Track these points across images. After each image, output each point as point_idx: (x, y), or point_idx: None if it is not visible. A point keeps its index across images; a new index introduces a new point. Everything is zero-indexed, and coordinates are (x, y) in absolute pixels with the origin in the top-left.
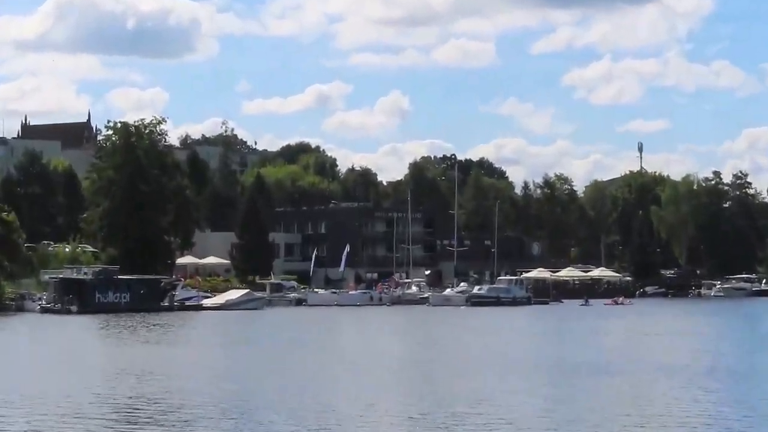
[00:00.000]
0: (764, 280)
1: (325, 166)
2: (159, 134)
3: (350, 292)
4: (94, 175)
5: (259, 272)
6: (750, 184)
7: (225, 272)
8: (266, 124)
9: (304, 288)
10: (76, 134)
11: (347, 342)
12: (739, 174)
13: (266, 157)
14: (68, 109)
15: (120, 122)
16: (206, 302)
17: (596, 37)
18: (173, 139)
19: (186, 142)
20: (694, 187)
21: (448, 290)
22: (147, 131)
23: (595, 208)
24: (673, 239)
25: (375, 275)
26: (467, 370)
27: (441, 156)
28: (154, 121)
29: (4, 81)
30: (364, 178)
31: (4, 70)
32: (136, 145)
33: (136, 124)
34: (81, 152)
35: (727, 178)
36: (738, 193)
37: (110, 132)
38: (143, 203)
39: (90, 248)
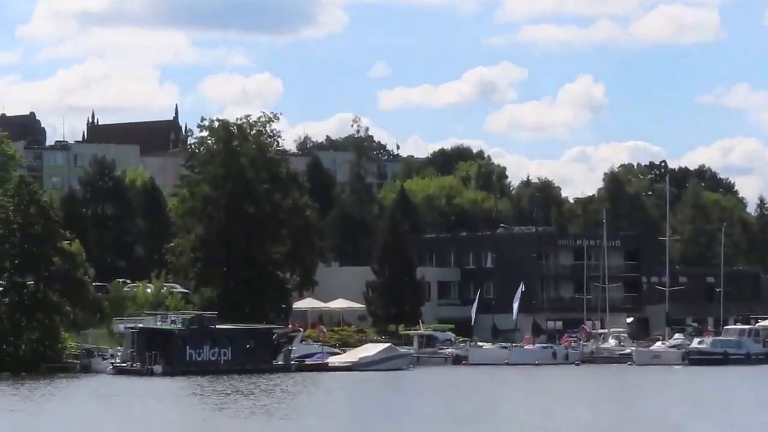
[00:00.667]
0: None
1: (491, 177)
2: (270, 136)
3: (526, 347)
4: (184, 191)
5: (403, 320)
6: None
7: (358, 320)
8: (411, 121)
9: (463, 341)
10: (160, 137)
11: (523, 417)
12: None
13: (412, 166)
14: (148, 104)
15: (218, 120)
16: (333, 360)
17: None
18: (288, 142)
19: (305, 147)
20: None
21: (658, 344)
22: (254, 132)
23: None
24: None
25: (559, 324)
26: None
27: (646, 163)
28: (263, 119)
29: (65, 66)
30: (544, 193)
31: (64, 51)
32: (240, 151)
33: (240, 122)
34: (166, 160)
35: None
36: None
37: (204, 134)
38: (250, 229)
39: (179, 288)
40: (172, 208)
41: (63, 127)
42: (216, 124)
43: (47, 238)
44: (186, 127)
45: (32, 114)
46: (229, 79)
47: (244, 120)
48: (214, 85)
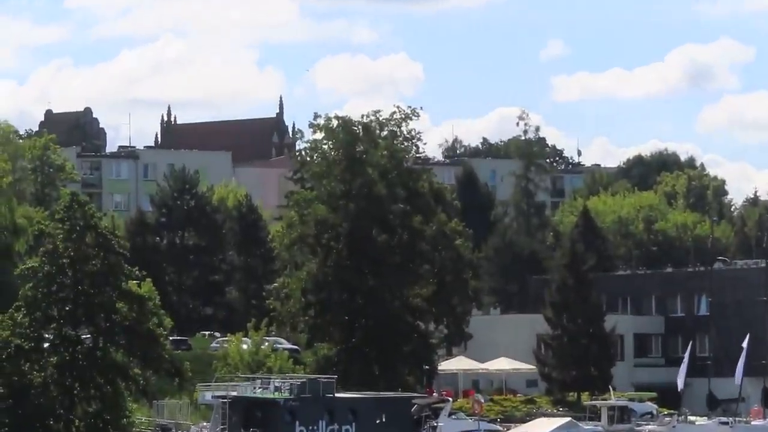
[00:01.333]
0: None
1: (705, 194)
2: (407, 139)
3: (754, 422)
4: (292, 214)
5: (588, 386)
6: None
7: (526, 386)
8: (596, 119)
9: (669, 414)
10: (258, 140)
11: None
12: None
13: (598, 180)
14: (243, 96)
15: (336, 118)
16: None
17: None
18: (431, 146)
19: (453, 153)
20: None
21: None
22: (385, 134)
23: None
24: None
25: None
26: None
27: None
28: (398, 116)
29: (130, 45)
30: None
31: (129, 26)
32: (367, 160)
33: (366, 120)
34: (266, 172)
35: None
36: None
37: (318, 135)
38: (380, 264)
39: (285, 344)
40: (276, 236)
41: (128, 128)
42: (334, 122)
43: (108, 277)
44: (294, 127)
45: (87, 110)
46: (351, 63)
47: (372, 117)
48: (332, 70)
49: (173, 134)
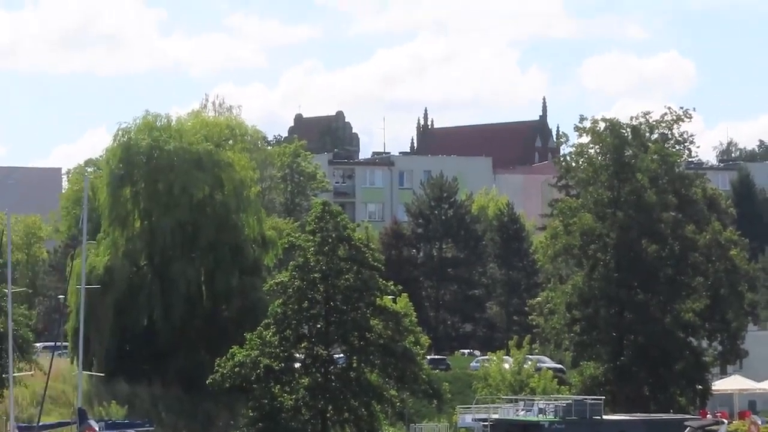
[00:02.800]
0: None
1: None
2: (679, 142)
3: None
4: (557, 223)
5: None
6: None
7: None
8: None
9: None
10: (520, 144)
11: None
12: None
13: None
14: (505, 98)
15: (603, 120)
16: None
17: None
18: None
19: (728, 157)
20: None
21: None
22: (655, 137)
23: None
24: None
25: None
26: None
27: None
28: (669, 118)
29: (386, 44)
30: None
31: (384, 23)
32: (635, 165)
33: (635, 123)
34: (529, 178)
35: None
36: None
37: (585, 139)
38: (649, 277)
39: (549, 362)
40: (539, 247)
41: (383, 132)
42: (601, 125)
43: (362, 293)
44: (558, 131)
45: (339, 114)
46: (619, 62)
47: (642, 120)
48: (598, 69)
49: (430, 139)
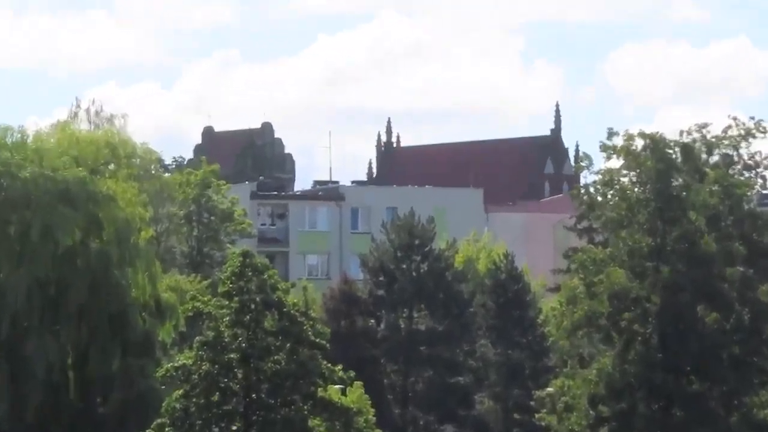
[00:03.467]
0: None
1: None
2: (749, 167)
3: None
4: (575, 282)
5: None
6: None
7: None
8: None
9: None
10: (523, 169)
11: None
12: None
13: None
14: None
15: (643, 136)
16: None
17: None
18: None
19: None
20: None
21: None
22: (715, 158)
23: None
24: None
25: None
26: None
27: None
28: (737, 132)
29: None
30: None
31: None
32: (687, 199)
33: (688, 138)
34: (533, 218)
35: None
36: None
37: (614, 161)
38: (713, 350)
39: None
40: (550, 315)
41: (328, 153)
42: (638, 143)
43: (298, 381)
44: (577, 150)
45: (266, 127)
46: (661, 54)
47: (697, 135)
48: (632, 65)
49: (395, 162)
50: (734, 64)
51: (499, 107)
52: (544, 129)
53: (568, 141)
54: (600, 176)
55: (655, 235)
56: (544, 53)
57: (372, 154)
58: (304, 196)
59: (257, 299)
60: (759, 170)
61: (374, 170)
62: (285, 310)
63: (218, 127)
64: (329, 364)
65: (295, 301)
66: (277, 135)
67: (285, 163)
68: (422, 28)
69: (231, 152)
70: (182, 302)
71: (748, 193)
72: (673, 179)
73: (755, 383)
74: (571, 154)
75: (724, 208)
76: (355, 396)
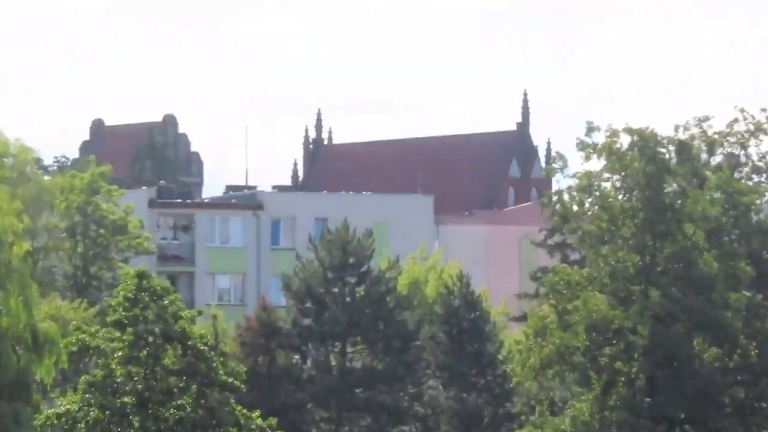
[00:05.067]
0: None
1: None
2: (759, 170)
3: None
4: (546, 309)
5: None
6: None
7: None
8: None
9: None
10: (483, 171)
11: None
12: None
13: None
14: None
15: (630, 132)
16: None
17: None
18: None
19: None
20: None
21: None
22: (717, 158)
23: None
24: None
25: None
26: None
27: None
28: (744, 128)
29: None
30: None
31: None
32: (682, 209)
33: (685, 135)
34: (494, 232)
35: None
36: None
37: (593, 162)
38: (714, 392)
39: None
40: (514, 350)
41: (244, 152)
42: (623, 140)
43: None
44: (548, 149)
45: (168, 121)
46: (650, 28)
47: (696, 130)
48: (613, 43)
49: (325, 163)
50: (738, 40)
51: (454, 97)
52: (508, 123)
53: (538, 138)
54: (576, 180)
55: (643, 252)
56: (507, 31)
57: (298, 154)
58: (215, 204)
59: (156, 330)
60: None
61: (300, 173)
62: (190, 343)
63: (110, 120)
64: (245, 411)
65: (202, 332)
66: (181, 130)
67: (191, 165)
68: (360, 3)
69: (125, 151)
70: (65, 334)
71: (757, 202)
72: (666, 184)
73: None
74: (542, 153)
75: (728, 220)
76: None
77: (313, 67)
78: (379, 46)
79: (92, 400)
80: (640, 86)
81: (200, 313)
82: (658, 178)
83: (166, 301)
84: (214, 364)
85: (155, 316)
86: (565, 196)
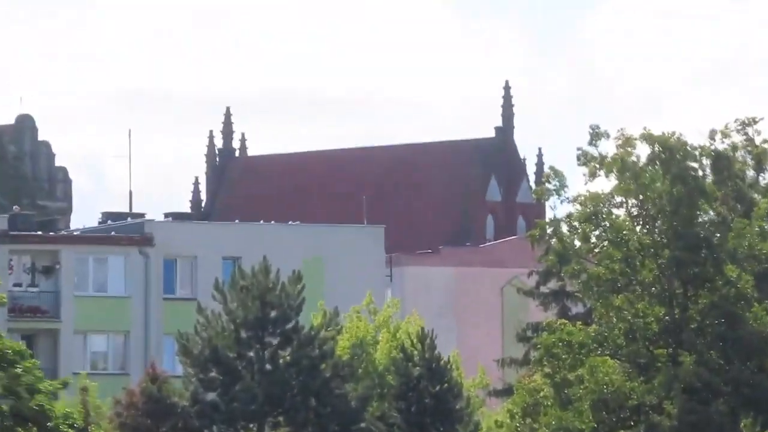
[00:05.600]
0: None
1: None
2: None
3: None
4: (538, 381)
5: None
6: None
7: None
8: None
9: None
10: (454, 193)
11: None
12: None
13: None
14: None
15: (648, 139)
16: None
17: None
18: None
19: None
20: None
21: None
22: None
23: None
24: None
25: None
26: None
27: None
28: None
29: None
30: None
31: None
32: (723, 244)
33: (725, 143)
34: (467, 275)
35: None
36: None
37: (601, 181)
38: None
39: None
40: None
41: (128, 165)
42: (640, 151)
43: None
44: (539, 163)
45: (24, 122)
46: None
47: (739, 138)
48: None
49: (238, 182)
50: None
51: (414, 93)
52: (485, 128)
53: (525, 147)
54: (578, 206)
55: (670, 303)
56: (485, 9)
57: (200, 169)
58: (87, 238)
59: (4, 408)
60: None
61: (203, 195)
62: (50, 425)
63: None
64: None
65: (67, 410)
66: (42, 136)
67: (55, 184)
68: None
69: None
70: None
71: None
72: (699, 211)
73: None
74: (530, 168)
75: None
76: None
77: (224, 54)
78: (312, 25)
79: None
80: (657, 82)
81: (65, 384)
82: (689, 202)
83: (19, 369)
84: None
85: (4, 389)
86: (564, 228)
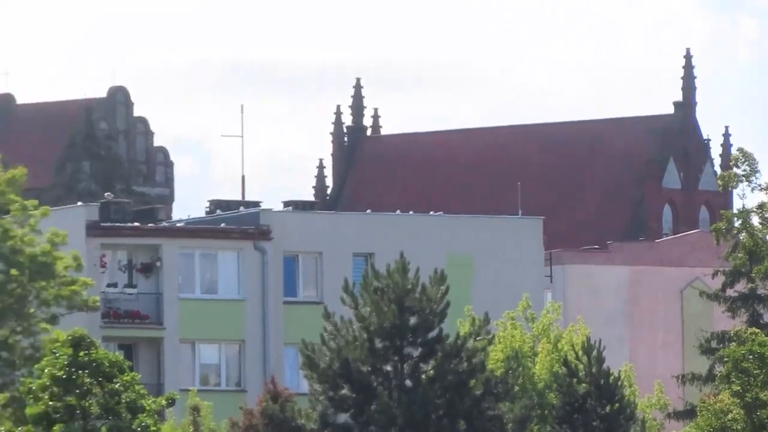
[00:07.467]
0: None
1: None
2: None
3: None
4: (725, 400)
5: None
6: None
7: None
8: None
9: None
10: (623, 178)
11: None
12: None
13: None
14: None
15: None
16: None
17: None
18: None
19: None
20: None
21: None
22: None
23: None
24: None
25: None
26: None
27: None
28: None
29: None
30: None
31: None
32: None
33: None
34: (642, 275)
35: None
36: None
37: None
38: None
39: None
40: None
41: (241, 147)
42: None
43: None
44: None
45: (116, 95)
46: None
47: None
48: None
49: (370, 164)
50: None
51: (576, 63)
52: (663, 104)
53: (709, 126)
54: None
55: None
56: None
57: (325, 150)
58: (193, 230)
59: (102, 429)
60: None
61: (329, 181)
62: None
63: (23, 99)
64: None
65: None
66: (138, 112)
67: (154, 166)
68: None
69: (48, 144)
70: None
71: None
72: None
73: None
74: (715, 150)
75: None
76: None
77: (349, 20)
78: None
79: None
80: None
81: (172, 402)
82: None
83: (118, 384)
84: None
85: (100, 407)
86: (755, 220)
